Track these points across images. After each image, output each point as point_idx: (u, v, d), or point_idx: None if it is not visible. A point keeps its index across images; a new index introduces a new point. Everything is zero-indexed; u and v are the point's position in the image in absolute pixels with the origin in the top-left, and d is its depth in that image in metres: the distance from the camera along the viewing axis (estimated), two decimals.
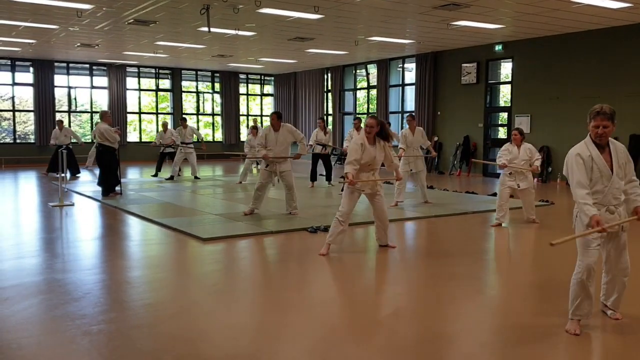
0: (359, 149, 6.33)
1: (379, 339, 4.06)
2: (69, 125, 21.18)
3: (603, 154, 3.95)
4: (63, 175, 10.87)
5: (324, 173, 13.81)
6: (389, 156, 6.58)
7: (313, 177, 13.34)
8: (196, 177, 14.88)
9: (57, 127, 16.11)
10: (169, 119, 22.67)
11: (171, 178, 14.62)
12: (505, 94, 16.66)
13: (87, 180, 14.60)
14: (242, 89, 24.65)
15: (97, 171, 15.83)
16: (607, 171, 3.92)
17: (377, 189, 6.57)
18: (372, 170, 6.50)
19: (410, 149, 10.33)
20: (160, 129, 15.86)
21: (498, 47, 15.69)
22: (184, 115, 19.60)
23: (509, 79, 16.03)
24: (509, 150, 8.33)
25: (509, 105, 15.99)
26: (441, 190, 12.77)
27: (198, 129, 20.71)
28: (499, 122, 16.77)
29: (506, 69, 16.39)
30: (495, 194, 11.85)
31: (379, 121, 6.51)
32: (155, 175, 15.54)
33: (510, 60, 15.76)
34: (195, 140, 15.35)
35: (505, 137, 15.94)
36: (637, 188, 4.04)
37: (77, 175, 15.69)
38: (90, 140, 18.12)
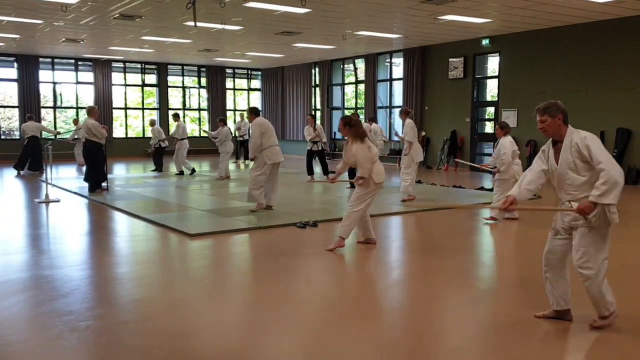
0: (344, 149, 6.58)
1: (369, 333, 4.06)
2: (55, 121, 21.04)
3: (555, 147, 3.96)
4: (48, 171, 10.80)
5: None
6: (356, 158, 6.39)
7: (310, 172, 13.46)
8: (181, 173, 14.85)
9: (27, 121, 15.84)
10: (155, 114, 22.53)
11: (181, 173, 14.69)
12: (492, 89, 16.71)
13: (73, 176, 14.48)
14: (229, 84, 24.53)
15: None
16: (552, 164, 3.92)
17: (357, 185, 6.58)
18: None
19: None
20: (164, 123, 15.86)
21: (485, 42, 15.73)
22: (176, 112, 19.50)
23: (496, 74, 16.08)
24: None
25: (496, 99, 16.05)
26: (429, 185, 12.81)
27: (184, 124, 20.64)
28: (486, 117, 16.82)
29: (493, 63, 16.43)
30: (482, 188, 11.99)
31: (346, 120, 6.51)
32: (160, 170, 15.60)
33: (497, 54, 15.81)
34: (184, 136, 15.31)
35: (492, 131, 16.00)
36: (600, 183, 3.67)
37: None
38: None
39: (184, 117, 23.65)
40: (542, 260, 4.12)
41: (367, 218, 6.66)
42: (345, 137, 6.52)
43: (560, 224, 4.01)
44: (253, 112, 8.99)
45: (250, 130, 9.16)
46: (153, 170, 15.63)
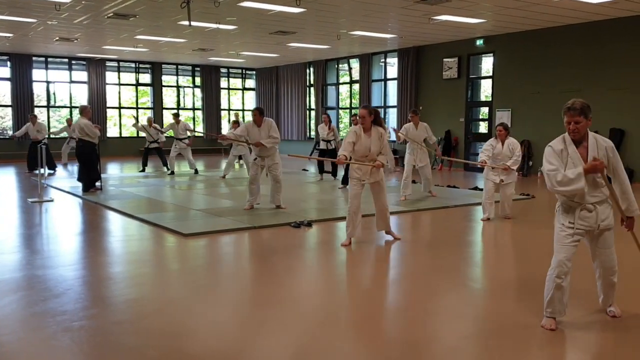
0: (352, 135, 6.55)
1: (363, 333, 4.06)
2: (48, 121, 20.91)
3: (579, 148, 3.86)
4: (42, 171, 10.75)
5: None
6: (384, 147, 6.65)
7: (321, 171, 13.69)
8: (196, 171, 14.96)
9: (30, 122, 16.02)
10: (149, 114, 22.47)
11: (172, 173, 14.69)
12: (486, 89, 16.75)
13: (66, 176, 14.42)
14: (223, 83, 24.49)
15: (72, 167, 15.84)
16: (581, 164, 3.79)
17: (378, 177, 6.69)
18: (370, 160, 6.62)
19: (412, 142, 10.38)
20: (146, 123, 15.79)
21: (479, 42, 15.76)
22: (176, 111, 19.51)
23: (490, 74, 16.12)
24: (492, 146, 8.33)
25: (490, 99, 16.08)
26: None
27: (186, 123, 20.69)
28: (480, 117, 16.85)
29: (487, 63, 16.47)
30: (476, 188, 11.99)
31: (370, 110, 6.63)
32: (143, 170, 15.51)
33: (492, 54, 15.84)
34: (188, 136, 15.33)
35: (487, 131, 16.04)
36: (628, 193, 3.89)
37: (52, 172, 15.41)
38: (66, 136, 17.88)
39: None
40: (554, 270, 3.94)
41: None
42: (364, 126, 6.57)
43: (584, 226, 3.90)
44: (261, 113, 8.86)
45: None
46: (141, 171, 15.57)
